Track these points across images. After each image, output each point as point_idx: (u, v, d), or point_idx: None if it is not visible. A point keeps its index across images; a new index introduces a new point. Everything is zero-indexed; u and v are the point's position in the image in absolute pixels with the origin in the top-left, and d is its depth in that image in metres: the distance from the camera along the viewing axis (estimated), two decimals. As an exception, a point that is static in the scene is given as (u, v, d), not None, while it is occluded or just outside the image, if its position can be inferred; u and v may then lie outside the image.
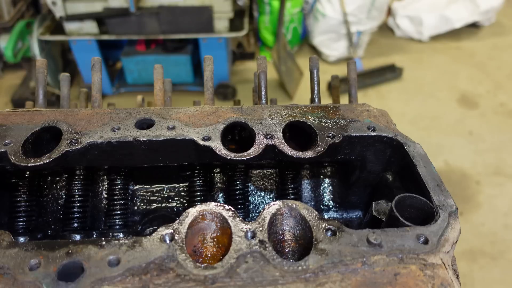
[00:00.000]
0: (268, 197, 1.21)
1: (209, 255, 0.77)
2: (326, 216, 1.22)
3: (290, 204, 0.77)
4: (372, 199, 1.01)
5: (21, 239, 1.02)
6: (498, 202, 3.55)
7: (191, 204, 1.13)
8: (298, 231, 0.77)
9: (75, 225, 1.09)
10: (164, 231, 0.72)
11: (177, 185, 1.20)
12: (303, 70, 4.80)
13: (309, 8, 5.17)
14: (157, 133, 0.92)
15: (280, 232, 0.78)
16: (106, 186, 1.16)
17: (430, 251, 0.70)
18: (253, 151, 0.90)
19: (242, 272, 0.66)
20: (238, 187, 1.16)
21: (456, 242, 0.74)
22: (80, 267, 0.67)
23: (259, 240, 0.70)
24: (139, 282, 0.65)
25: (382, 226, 0.87)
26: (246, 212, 1.16)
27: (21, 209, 1.06)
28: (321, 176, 1.23)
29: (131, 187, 1.18)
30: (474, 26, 5.94)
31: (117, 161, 0.96)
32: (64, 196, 1.14)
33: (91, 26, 3.93)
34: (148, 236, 0.71)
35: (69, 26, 3.91)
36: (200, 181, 1.14)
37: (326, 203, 1.23)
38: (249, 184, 1.21)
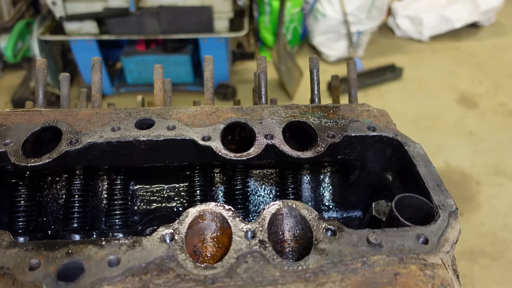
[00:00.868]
0: (268, 197, 1.21)
1: (209, 255, 0.77)
2: (326, 216, 1.22)
3: (290, 204, 0.77)
4: (372, 199, 1.01)
5: (21, 239, 1.01)
6: (498, 202, 3.55)
7: (191, 204, 1.13)
8: (298, 231, 0.77)
9: (75, 225, 1.09)
10: (164, 231, 0.72)
11: (177, 185, 1.20)
12: (303, 70, 4.80)
13: (309, 8, 5.17)
14: (157, 133, 0.92)
15: (280, 232, 0.78)
16: (106, 186, 1.16)
17: (430, 251, 0.70)
18: (253, 151, 0.90)
19: (242, 272, 0.66)
20: (238, 187, 1.16)
21: (456, 242, 0.74)
22: (80, 267, 0.67)
23: (259, 240, 0.70)
24: (139, 282, 0.65)
25: (382, 226, 0.87)
26: (246, 212, 1.16)
27: (21, 209, 1.06)
28: (321, 176, 1.23)
29: (131, 187, 1.18)
30: (474, 26, 5.94)
31: (117, 161, 0.96)
32: (64, 196, 1.13)
33: (91, 26, 3.93)
34: (148, 236, 0.71)
35: (69, 26, 3.91)
36: (200, 181, 1.14)
37: (326, 203, 1.23)
38: (249, 184, 1.21)
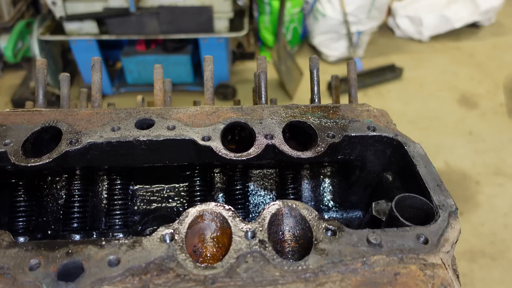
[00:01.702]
0: (268, 197, 1.21)
1: (209, 255, 0.77)
2: (326, 216, 1.22)
3: (290, 204, 0.77)
4: (372, 199, 1.01)
5: (21, 239, 1.02)
6: (498, 202, 3.55)
7: (191, 204, 1.13)
8: (298, 231, 0.77)
9: (75, 225, 1.09)
10: (164, 231, 0.72)
11: (177, 185, 1.20)
12: (303, 70, 4.80)
13: (309, 8, 5.17)
14: (157, 133, 0.92)
15: (280, 232, 0.78)
16: (106, 186, 1.16)
17: (430, 251, 0.70)
18: (253, 151, 0.90)
19: (242, 272, 0.66)
20: (238, 187, 1.16)
21: (456, 242, 0.74)
22: (80, 267, 0.67)
23: (259, 240, 0.70)
24: (139, 282, 0.65)
25: (382, 226, 0.87)
26: (246, 212, 1.16)
27: (21, 209, 1.06)
28: (321, 176, 1.23)
29: (131, 187, 1.18)
30: (474, 26, 5.94)
31: (117, 161, 0.96)
32: (64, 196, 1.14)
33: (91, 26, 3.93)
34: (148, 236, 0.71)
35: (69, 26, 3.91)
36: (200, 181, 1.14)
37: (326, 203, 1.23)
38: (249, 184, 1.21)
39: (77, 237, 1.06)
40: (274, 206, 0.76)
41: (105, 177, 1.16)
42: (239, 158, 0.89)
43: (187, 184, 1.19)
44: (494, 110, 4.56)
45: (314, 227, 0.73)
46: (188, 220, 0.74)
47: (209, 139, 0.92)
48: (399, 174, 1.01)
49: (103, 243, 0.70)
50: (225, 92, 4.54)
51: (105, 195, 1.16)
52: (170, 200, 1.20)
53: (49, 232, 1.12)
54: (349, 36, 5.03)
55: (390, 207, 0.79)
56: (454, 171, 3.83)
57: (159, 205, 1.19)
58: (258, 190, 1.21)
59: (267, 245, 0.70)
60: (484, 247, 3.20)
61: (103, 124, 0.94)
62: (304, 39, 5.59)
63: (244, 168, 1.18)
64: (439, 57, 5.47)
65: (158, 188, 1.20)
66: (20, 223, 1.06)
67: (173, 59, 4.35)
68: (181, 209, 1.19)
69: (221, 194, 1.20)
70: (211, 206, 0.76)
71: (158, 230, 0.72)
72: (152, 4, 3.77)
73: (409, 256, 0.69)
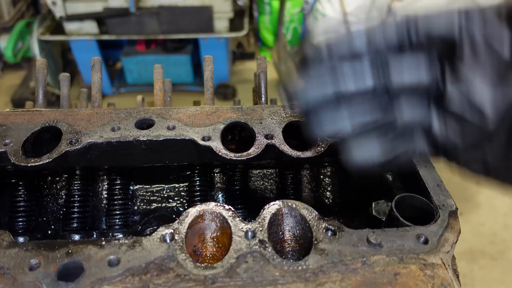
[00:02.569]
0: (268, 197, 1.21)
1: (209, 255, 0.77)
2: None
3: (290, 204, 0.77)
4: (372, 199, 1.01)
5: (21, 239, 1.02)
6: (498, 202, 3.55)
7: (191, 204, 1.13)
8: (298, 231, 0.77)
9: (75, 225, 1.09)
10: (164, 231, 0.72)
11: (177, 185, 1.20)
12: (303, 70, 4.79)
13: (309, 8, 5.17)
14: (157, 133, 0.92)
15: (280, 232, 0.78)
16: (106, 186, 1.16)
17: (430, 251, 0.70)
18: (253, 151, 0.90)
19: (242, 272, 0.66)
20: (238, 187, 1.16)
21: (456, 242, 0.74)
22: (80, 267, 0.67)
23: (259, 240, 0.70)
24: (139, 282, 0.65)
25: (382, 226, 0.87)
26: (246, 212, 1.16)
27: (21, 209, 1.06)
28: (321, 176, 1.23)
29: (131, 187, 1.18)
30: (474, 26, 5.94)
31: (117, 161, 0.96)
32: (64, 196, 1.14)
33: (91, 26, 3.92)
34: (148, 236, 0.71)
35: (69, 26, 3.91)
36: (200, 181, 1.14)
37: (326, 203, 1.23)
38: (249, 184, 1.21)
39: (77, 237, 1.06)
40: (274, 206, 0.76)
41: (105, 177, 1.17)
42: (239, 158, 0.89)
43: (187, 184, 1.19)
44: (494, 110, 4.56)
45: (314, 227, 0.73)
46: (188, 220, 0.74)
47: (209, 139, 0.92)
48: (399, 174, 1.02)
49: (103, 243, 0.70)
50: (225, 92, 4.54)
51: (105, 195, 1.16)
52: (170, 200, 1.20)
53: (49, 232, 1.12)
54: (349, 36, 5.02)
55: (390, 207, 0.79)
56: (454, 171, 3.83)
57: (159, 205, 1.19)
58: (258, 190, 1.21)
59: (267, 245, 0.70)
60: (484, 247, 3.20)
61: (103, 124, 0.94)
62: (304, 39, 5.59)
63: (244, 168, 1.18)
64: (439, 57, 5.47)
65: (158, 188, 1.20)
66: (20, 223, 1.06)
67: (173, 59, 4.35)
68: (181, 209, 1.19)
69: (221, 194, 1.20)
70: (211, 206, 0.76)
71: (158, 230, 0.72)
72: (152, 4, 3.77)
73: (409, 256, 0.69)
